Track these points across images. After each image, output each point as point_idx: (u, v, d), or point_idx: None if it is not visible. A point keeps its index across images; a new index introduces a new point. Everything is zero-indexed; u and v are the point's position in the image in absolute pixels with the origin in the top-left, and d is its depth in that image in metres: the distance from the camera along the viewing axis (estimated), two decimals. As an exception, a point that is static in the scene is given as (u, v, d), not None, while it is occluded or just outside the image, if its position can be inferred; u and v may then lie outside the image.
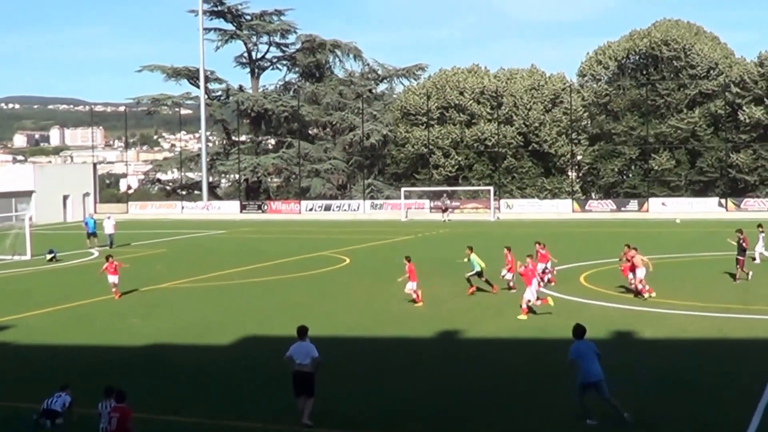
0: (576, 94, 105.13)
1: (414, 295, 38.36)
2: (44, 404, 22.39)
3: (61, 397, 22.52)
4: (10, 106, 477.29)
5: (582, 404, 21.54)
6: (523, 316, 34.45)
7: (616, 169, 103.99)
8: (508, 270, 40.93)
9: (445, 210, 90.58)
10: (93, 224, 69.78)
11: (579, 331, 22.05)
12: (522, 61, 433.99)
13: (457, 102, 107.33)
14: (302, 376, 21.65)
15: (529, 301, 35.03)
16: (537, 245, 42.89)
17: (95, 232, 68.89)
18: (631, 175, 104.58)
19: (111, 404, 20.98)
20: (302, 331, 22.44)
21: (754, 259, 46.88)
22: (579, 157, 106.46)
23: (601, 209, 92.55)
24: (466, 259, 40.76)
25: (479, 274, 40.40)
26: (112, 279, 41.05)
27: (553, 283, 41.82)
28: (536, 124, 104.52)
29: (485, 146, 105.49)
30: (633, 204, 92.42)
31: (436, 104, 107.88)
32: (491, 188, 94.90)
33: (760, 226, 49.58)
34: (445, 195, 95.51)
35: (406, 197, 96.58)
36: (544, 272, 41.63)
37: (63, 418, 22.33)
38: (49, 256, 59.96)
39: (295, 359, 21.84)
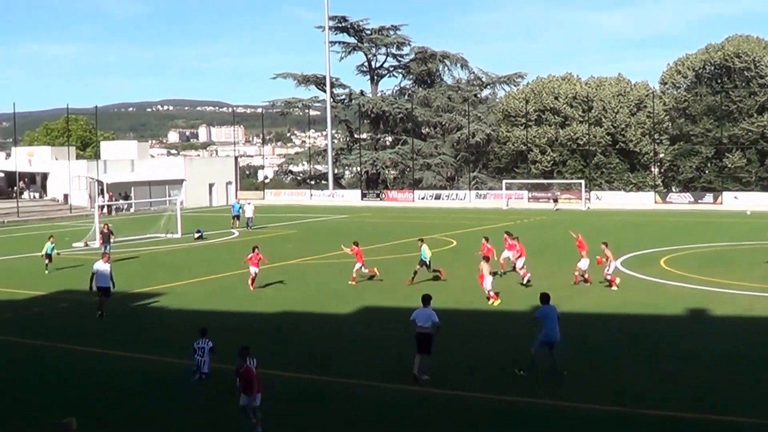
0: (658, 99, 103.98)
1: (369, 273, 39.53)
2: (198, 364, 22.94)
3: (204, 353, 22.87)
4: (165, 107, 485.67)
5: (534, 358, 22.53)
6: (496, 302, 33.09)
7: (694, 166, 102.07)
8: (518, 254, 39.21)
9: (555, 200, 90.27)
10: (238, 208, 71.45)
11: (545, 297, 23.21)
12: (610, 70, 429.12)
13: (552, 106, 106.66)
14: (423, 337, 22.31)
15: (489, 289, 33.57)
16: (506, 235, 41.75)
17: (239, 215, 70.11)
18: (707, 172, 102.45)
19: (252, 362, 21.37)
20: (426, 299, 23.22)
21: None
22: (661, 155, 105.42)
23: (680, 201, 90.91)
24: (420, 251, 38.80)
25: (427, 266, 38.58)
26: (253, 270, 38.40)
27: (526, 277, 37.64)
28: (623, 126, 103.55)
29: (577, 145, 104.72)
30: (708, 197, 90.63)
31: (533, 107, 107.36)
32: (582, 181, 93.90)
33: None
34: (555, 187, 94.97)
35: (507, 188, 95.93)
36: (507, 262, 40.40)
37: (208, 374, 22.75)
38: (196, 235, 60.94)
39: (417, 322, 22.53)
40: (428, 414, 19.98)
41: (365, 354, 25.61)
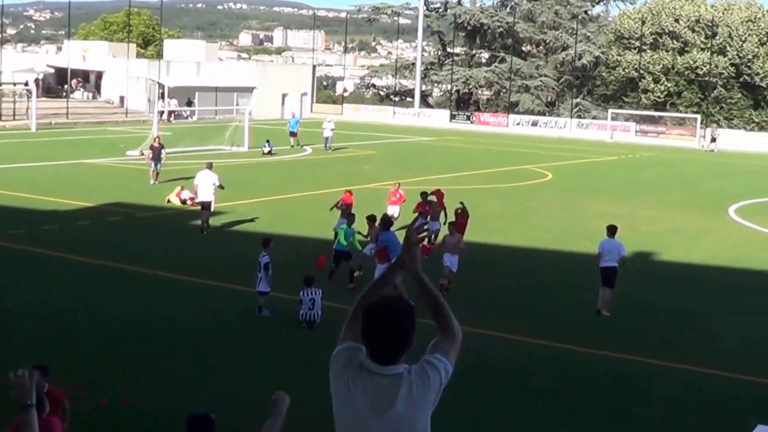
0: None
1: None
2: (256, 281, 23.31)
3: (260, 267, 23.24)
4: (238, 5, 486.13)
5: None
6: None
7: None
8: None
9: (714, 139, 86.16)
10: (295, 124, 68.59)
11: (611, 229, 24.98)
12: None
13: (671, 29, 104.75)
14: (606, 270, 24.08)
15: None
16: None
17: (295, 132, 68.03)
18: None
19: (312, 292, 21.79)
20: (612, 229, 24.97)
21: None
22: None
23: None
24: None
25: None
26: (392, 210, 34.28)
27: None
28: (749, 57, 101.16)
29: (696, 74, 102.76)
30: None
31: (650, 29, 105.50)
32: (698, 117, 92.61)
33: None
34: (714, 125, 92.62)
35: (612, 118, 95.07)
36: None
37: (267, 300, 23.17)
38: (266, 149, 61.23)
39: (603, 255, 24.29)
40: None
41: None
